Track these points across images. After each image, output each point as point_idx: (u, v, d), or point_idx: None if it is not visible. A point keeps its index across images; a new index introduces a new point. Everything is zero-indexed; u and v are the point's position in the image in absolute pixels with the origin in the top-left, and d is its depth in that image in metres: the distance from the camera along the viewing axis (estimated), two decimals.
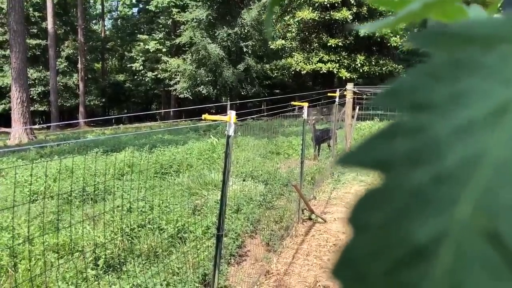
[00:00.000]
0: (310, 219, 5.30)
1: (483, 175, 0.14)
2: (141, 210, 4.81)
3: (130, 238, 4.28)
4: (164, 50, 30.34)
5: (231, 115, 3.03)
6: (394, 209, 0.14)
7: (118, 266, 3.85)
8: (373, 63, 20.53)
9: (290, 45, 22.35)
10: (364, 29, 0.23)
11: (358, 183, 7.04)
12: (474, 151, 0.15)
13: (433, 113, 0.16)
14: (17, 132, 15.56)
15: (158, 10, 31.00)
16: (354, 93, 9.37)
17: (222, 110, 24.24)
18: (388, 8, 0.30)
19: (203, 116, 3.25)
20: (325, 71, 20.65)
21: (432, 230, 0.14)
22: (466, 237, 0.14)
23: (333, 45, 20.23)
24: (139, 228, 4.42)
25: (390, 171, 0.15)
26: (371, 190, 0.15)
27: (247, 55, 24.20)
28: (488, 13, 0.31)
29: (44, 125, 24.33)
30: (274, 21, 23.29)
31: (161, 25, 32.28)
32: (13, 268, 3.60)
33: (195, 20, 23.89)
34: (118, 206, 4.75)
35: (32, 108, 22.69)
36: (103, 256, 3.75)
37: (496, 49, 0.17)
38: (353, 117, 9.39)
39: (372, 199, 0.15)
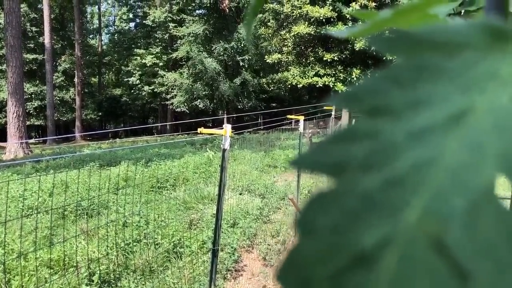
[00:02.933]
0: None
1: (434, 181, 0.14)
2: (136, 225, 4.78)
3: (125, 253, 4.24)
4: (161, 64, 30.45)
5: (227, 128, 3.03)
6: (342, 213, 0.14)
7: (113, 281, 3.80)
8: (369, 76, 20.63)
9: (286, 59, 22.47)
10: (336, 35, 0.23)
11: None
12: (427, 157, 0.14)
13: (390, 117, 0.15)
14: (13, 146, 15.50)
15: (155, 25, 31.18)
16: None
17: (218, 124, 24.29)
18: (369, 20, 0.30)
19: (199, 130, 3.25)
20: (321, 85, 20.74)
21: (378, 235, 0.13)
22: (411, 244, 0.13)
23: (329, 59, 20.36)
24: (135, 243, 4.38)
25: (342, 175, 0.14)
26: (321, 193, 0.14)
27: (243, 69, 24.36)
28: None
29: (40, 139, 24.26)
30: (270, 35, 23.49)
31: (158, 40, 32.43)
32: (6, 285, 3.55)
33: (191, 34, 24.07)
34: (113, 221, 4.72)
35: (28, 123, 22.66)
36: (98, 272, 3.70)
37: (458, 55, 0.17)
38: None
39: (321, 202, 0.14)
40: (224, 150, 3.07)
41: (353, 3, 19.70)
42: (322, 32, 19.28)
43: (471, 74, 0.16)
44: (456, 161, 0.14)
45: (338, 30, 0.24)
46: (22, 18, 23.75)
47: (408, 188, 0.14)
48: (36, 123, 29.91)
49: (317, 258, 0.13)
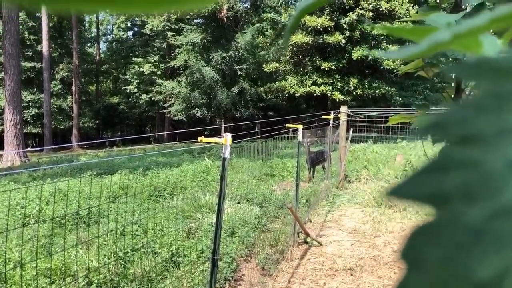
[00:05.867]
0: (305, 242, 5.26)
1: None
2: (134, 234, 4.75)
3: (123, 262, 4.21)
4: (158, 72, 30.52)
5: (227, 137, 3.03)
6: (452, 245, 0.14)
7: None
8: (366, 85, 20.75)
9: (284, 68, 22.59)
10: (392, 56, 0.23)
11: (353, 205, 7.02)
12: None
13: (484, 146, 0.15)
14: (10, 154, 15.45)
15: (153, 34, 31.31)
16: (348, 115, 9.42)
17: (216, 133, 24.30)
18: (402, 36, 0.30)
19: (199, 139, 3.24)
20: (318, 94, 20.82)
21: (494, 267, 0.13)
22: None
23: (326, 68, 20.46)
24: (133, 252, 4.35)
25: (444, 206, 0.14)
26: (425, 225, 0.14)
27: (241, 78, 24.44)
28: (502, 42, 0.32)
29: (37, 148, 24.17)
30: (268, 44, 23.62)
31: (156, 48, 32.53)
32: None
33: (189, 43, 24.18)
34: (111, 230, 4.69)
35: (25, 131, 22.63)
36: (96, 281, 3.67)
37: None
38: (347, 139, 9.41)
39: (426, 234, 0.14)
40: (224, 159, 3.06)
41: (350, 13, 19.85)
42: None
43: None
44: None
45: (391, 51, 0.24)
46: (21, 27, 23.81)
47: None
48: (33, 131, 29.86)
49: None
